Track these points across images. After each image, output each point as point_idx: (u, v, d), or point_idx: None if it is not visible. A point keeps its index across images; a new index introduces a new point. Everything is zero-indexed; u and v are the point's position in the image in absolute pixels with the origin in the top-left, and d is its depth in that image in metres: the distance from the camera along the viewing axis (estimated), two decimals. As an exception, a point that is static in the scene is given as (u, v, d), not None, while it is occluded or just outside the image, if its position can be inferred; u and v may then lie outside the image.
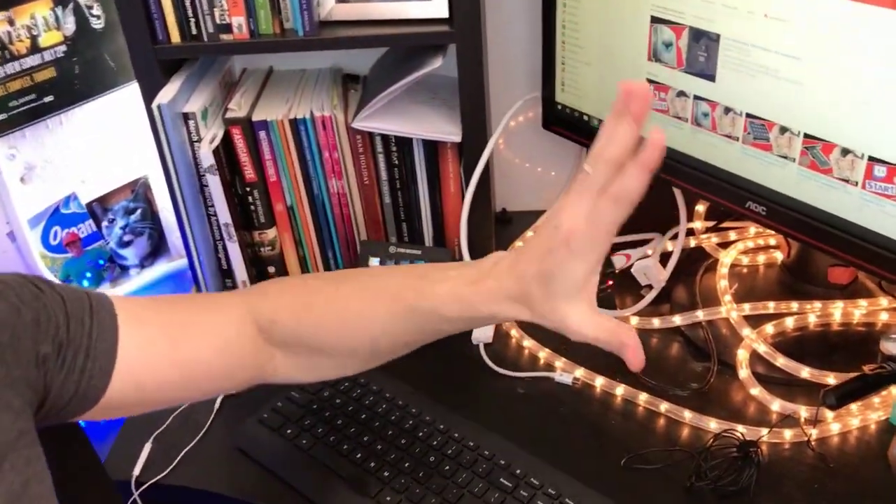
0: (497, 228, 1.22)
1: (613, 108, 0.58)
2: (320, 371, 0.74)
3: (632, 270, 1.05)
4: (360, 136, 1.05)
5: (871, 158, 0.77)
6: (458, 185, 1.09)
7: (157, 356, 0.64)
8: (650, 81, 0.94)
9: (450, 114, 1.05)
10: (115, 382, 0.60)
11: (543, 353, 0.98)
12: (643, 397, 0.91)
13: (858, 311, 0.98)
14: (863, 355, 0.91)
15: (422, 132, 1.03)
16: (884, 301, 0.99)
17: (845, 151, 0.79)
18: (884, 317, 0.98)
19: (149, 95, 0.99)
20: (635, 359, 0.62)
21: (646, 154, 0.56)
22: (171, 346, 0.65)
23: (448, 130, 1.03)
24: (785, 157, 0.84)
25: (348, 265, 1.14)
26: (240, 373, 0.70)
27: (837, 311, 0.98)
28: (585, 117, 1.05)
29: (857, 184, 0.79)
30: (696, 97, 0.90)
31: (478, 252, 1.10)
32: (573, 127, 1.08)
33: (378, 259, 1.05)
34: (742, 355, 0.94)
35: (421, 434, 0.85)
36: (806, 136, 0.81)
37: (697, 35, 0.87)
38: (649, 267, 1.04)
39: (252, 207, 1.09)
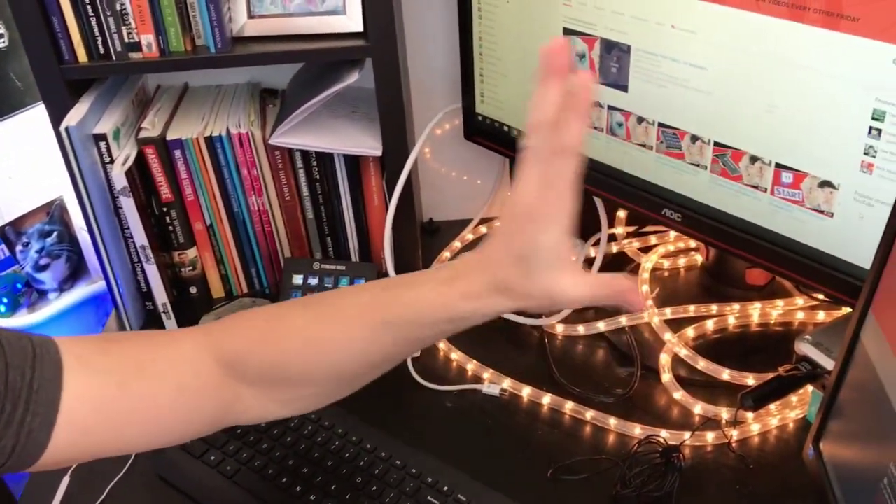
0: (424, 239, 1.22)
1: (539, 78, 0.58)
2: (302, 402, 0.69)
3: (556, 278, 1.06)
4: (278, 151, 1.03)
5: (778, 165, 0.79)
6: (381, 197, 1.08)
7: (106, 403, 0.59)
8: (566, 92, 0.95)
9: (371, 127, 1.04)
10: (60, 434, 0.56)
11: (471, 366, 0.98)
12: (569, 405, 0.92)
13: (776, 311, 1.00)
14: (781, 355, 0.93)
15: (342, 147, 1.02)
16: (800, 300, 1.01)
17: (754, 159, 0.80)
18: (800, 316, 1.00)
19: (56, 117, 0.96)
20: (639, 301, 0.63)
21: (578, 97, 0.57)
22: (120, 392, 0.60)
23: (369, 144, 1.02)
24: (697, 165, 0.86)
25: (272, 283, 1.12)
26: (200, 415, 0.65)
27: (756, 311, 1.00)
28: (506, 128, 1.06)
29: (766, 190, 0.81)
30: (611, 107, 0.91)
31: (404, 265, 1.10)
32: (494, 137, 1.08)
33: (302, 276, 1.04)
34: (664, 359, 0.95)
35: (348, 455, 0.84)
36: (716, 144, 0.83)
37: (609, 46, 0.88)
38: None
39: (170, 228, 1.06)
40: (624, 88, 0.89)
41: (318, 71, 1.07)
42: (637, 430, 0.88)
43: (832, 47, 0.70)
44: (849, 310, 0.94)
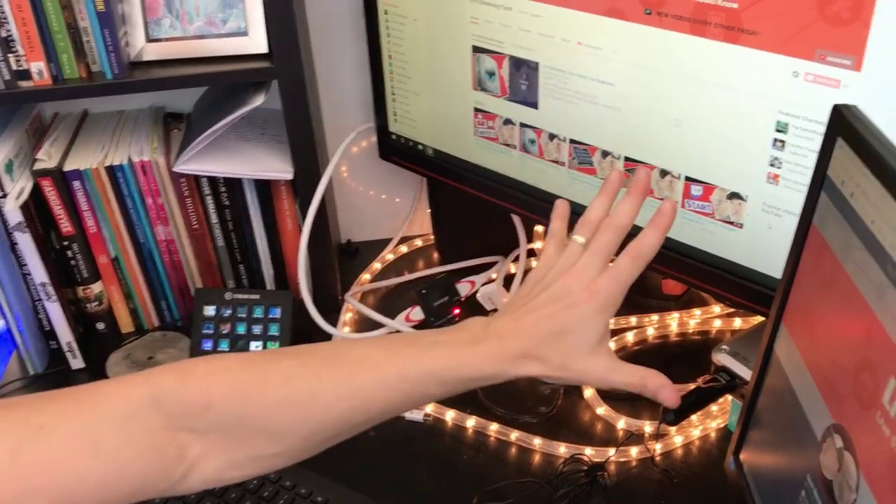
0: (342, 261, 1.19)
1: (607, 189, 0.69)
2: (259, 465, 0.61)
3: (477, 297, 1.05)
4: (184, 178, 1.00)
5: (687, 178, 0.79)
6: (295, 222, 1.05)
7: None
8: (477, 110, 0.94)
9: (281, 149, 1.02)
10: None
11: (393, 391, 0.96)
12: (494, 427, 0.90)
13: (693, 320, 1.01)
14: (700, 364, 0.94)
15: (251, 172, 0.99)
16: (716, 308, 1.02)
17: (664, 173, 0.81)
18: (717, 324, 1.01)
19: (-59, 150, 0.90)
20: (674, 395, 0.66)
21: (658, 217, 0.66)
22: (11, 459, 0.53)
23: (279, 168, 0.99)
24: (609, 180, 0.85)
25: (184, 315, 1.08)
26: (124, 481, 0.57)
27: (674, 321, 1.01)
28: (420, 146, 1.04)
29: (677, 203, 0.81)
30: (522, 124, 0.90)
31: (321, 290, 1.07)
32: (409, 156, 1.06)
33: (214, 307, 1.00)
34: (587, 375, 0.95)
35: (266, 493, 0.81)
36: (626, 159, 0.83)
37: (518, 64, 0.87)
38: (493, 292, 1.04)
39: (72, 262, 1.01)
40: (534, 105, 0.88)
41: (223, 93, 1.03)
42: (562, 449, 0.87)
43: (734, 61, 0.71)
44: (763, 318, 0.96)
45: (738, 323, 1.01)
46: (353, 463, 0.87)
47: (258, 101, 0.94)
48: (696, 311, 1.02)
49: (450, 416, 0.92)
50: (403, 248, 1.21)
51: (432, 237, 1.21)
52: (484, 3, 0.87)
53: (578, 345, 0.63)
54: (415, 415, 0.93)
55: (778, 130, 0.71)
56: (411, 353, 0.63)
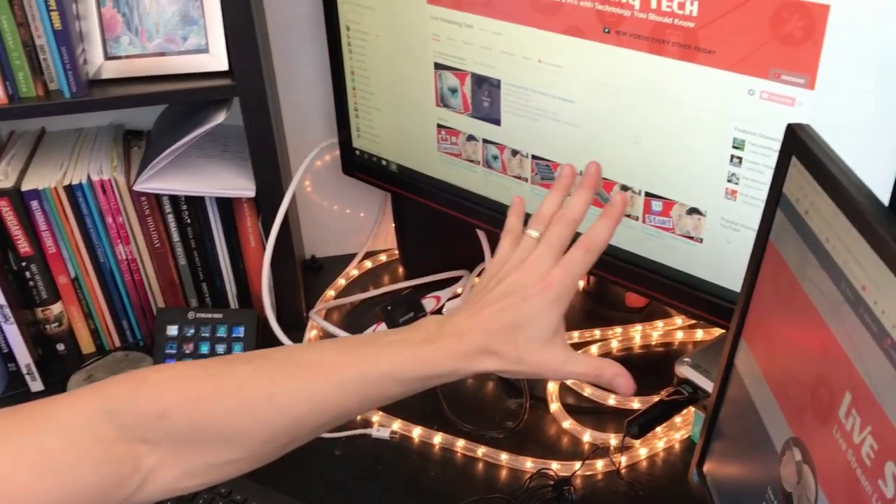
0: (307, 277, 1.19)
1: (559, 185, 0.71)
2: (217, 472, 0.61)
3: (443, 312, 1.05)
4: (145, 197, 0.98)
5: (648, 194, 0.80)
6: (258, 238, 1.05)
7: None
8: (441, 127, 0.94)
9: (243, 166, 1.01)
10: None
11: (359, 408, 0.96)
12: (460, 443, 0.90)
13: (656, 332, 1.02)
14: (664, 376, 0.95)
15: (212, 190, 0.98)
16: (678, 320, 1.04)
17: (625, 188, 0.82)
18: (679, 335, 1.02)
19: None
20: (630, 383, 0.66)
21: (609, 209, 0.67)
22: None
23: (241, 185, 0.99)
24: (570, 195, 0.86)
25: (146, 335, 1.06)
26: (82, 496, 0.56)
27: (637, 334, 1.02)
28: (384, 162, 1.04)
29: (637, 218, 0.82)
30: (485, 140, 0.91)
31: (285, 307, 1.06)
32: (373, 172, 1.06)
33: (176, 326, 0.99)
34: (552, 388, 0.95)
35: (232, 515, 0.80)
36: (588, 175, 0.83)
37: (480, 81, 0.88)
38: (459, 306, 1.04)
39: (31, 283, 0.99)
40: (497, 122, 0.89)
41: (184, 110, 1.03)
42: (528, 464, 0.87)
43: (691, 79, 0.72)
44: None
45: (700, 334, 1.02)
46: (319, 483, 0.87)
47: (219, 118, 0.93)
48: (659, 324, 1.03)
49: (416, 433, 0.92)
50: (368, 264, 1.21)
51: (397, 252, 1.21)
52: (446, 20, 0.87)
53: (534, 337, 0.63)
54: (381, 433, 0.92)
55: (735, 147, 0.72)
56: (367, 354, 0.63)
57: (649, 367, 0.99)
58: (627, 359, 1.01)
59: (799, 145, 0.57)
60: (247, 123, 0.94)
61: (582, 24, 0.77)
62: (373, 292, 1.14)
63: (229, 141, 1.06)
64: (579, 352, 0.66)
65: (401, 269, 1.20)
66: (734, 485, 0.69)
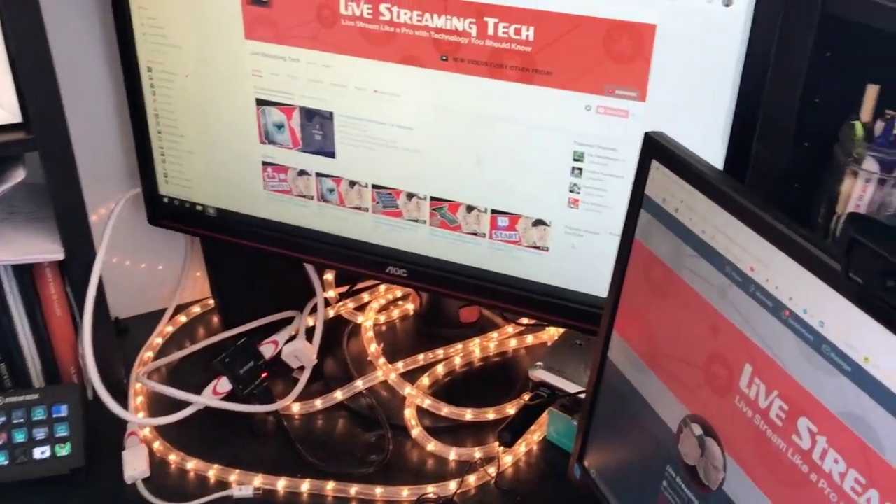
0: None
1: None
2: None
3: (282, 357, 1.01)
4: (-74, 275, 0.85)
5: (493, 211, 0.84)
6: (65, 306, 0.94)
7: None
8: (266, 164, 0.92)
9: (40, 227, 0.91)
10: None
11: (212, 471, 0.89)
12: (330, 486, 0.88)
13: (492, 343, 1.06)
14: (509, 382, 0.99)
15: (11, 257, 0.87)
16: (510, 329, 1.09)
17: (470, 208, 0.85)
18: (513, 343, 1.07)
19: None
20: None
21: None
22: None
23: (46, 249, 0.88)
24: (416, 221, 0.88)
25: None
26: None
27: (476, 347, 1.05)
28: (199, 207, 0.99)
29: (485, 235, 0.85)
30: (319, 174, 0.90)
31: (107, 377, 0.96)
32: (185, 218, 1.00)
33: (-17, 418, 0.86)
34: (409, 413, 0.96)
35: None
36: (432, 198, 0.86)
37: (310, 114, 0.86)
38: (298, 349, 1.01)
39: None
40: (331, 154, 0.88)
41: (-42, 172, 0.90)
42: (405, 493, 0.87)
43: (530, 99, 0.76)
44: (555, 329, 1.04)
45: (530, 339, 1.08)
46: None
47: (19, 176, 0.83)
48: (494, 334, 1.07)
49: (281, 484, 0.88)
50: (182, 318, 1.13)
51: (212, 301, 1.15)
52: (268, 55, 0.85)
53: None
54: (243, 491, 0.87)
55: (575, 160, 0.78)
56: None
57: (494, 376, 1.03)
58: (471, 373, 1.04)
59: (660, 151, 0.63)
60: (50, 179, 0.85)
61: (418, 53, 0.79)
62: (198, 346, 1.07)
63: (15, 201, 0.95)
64: None
65: (215, 320, 1.14)
66: (624, 471, 0.74)
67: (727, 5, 0.67)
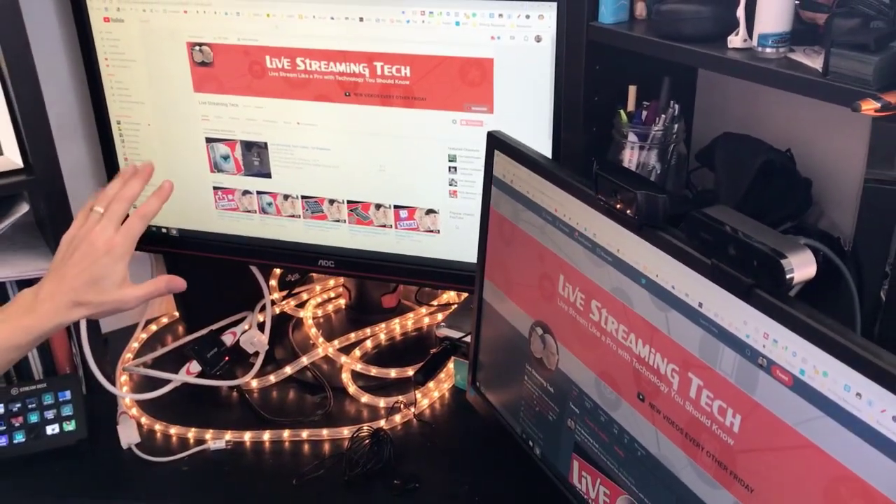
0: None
1: (122, 176, 0.95)
2: None
3: (240, 344, 1.25)
4: (-49, 293, 1.07)
5: (396, 206, 1.10)
6: (59, 316, 1.16)
7: None
8: (217, 188, 1.17)
9: (35, 253, 1.13)
10: None
11: (191, 433, 1.12)
12: (286, 433, 1.11)
13: (409, 321, 1.32)
14: (424, 347, 1.25)
15: (14, 274, 1.09)
16: (423, 310, 1.35)
17: (378, 206, 1.11)
18: (426, 320, 1.34)
19: None
20: (178, 282, 0.96)
21: (159, 191, 0.96)
22: None
23: (41, 266, 1.11)
24: (338, 221, 1.14)
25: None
26: None
27: (397, 325, 1.31)
28: (164, 229, 1.23)
29: (391, 226, 1.12)
30: (259, 192, 1.15)
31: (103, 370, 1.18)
32: (152, 240, 1.24)
33: (2, 405, 1.08)
34: (346, 377, 1.20)
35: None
36: (349, 201, 1.12)
37: (249, 145, 1.12)
38: (253, 337, 1.25)
39: None
40: (268, 175, 1.14)
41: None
42: (345, 432, 1.11)
43: (413, 119, 1.04)
44: (454, 300, 1.30)
45: (439, 317, 1.34)
46: (178, 497, 1.03)
47: (23, 209, 1.06)
48: (410, 315, 1.33)
49: (247, 436, 1.11)
50: (153, 327, 1.36)
51: (176, 313, 1.38)
52: (212, 103, 1.11)
53: (109, 285, 0.89)
54: (218, 444, 1.10)
55: (450, 161, 1.05)
56: None
57: (412, 345, 1.29)
58: (395, 345, 1.29)
59: (500, 143, 0.91)
60: (48, 213, 1.07)
61: (327, 92, 1.06)
62: (170, 347, 1.30)
63: (13, 233, 1.17)
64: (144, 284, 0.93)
65: (181, 328, 1.37)
66: (500, 379, 1.00)
67: (538, 41, 0.96)
